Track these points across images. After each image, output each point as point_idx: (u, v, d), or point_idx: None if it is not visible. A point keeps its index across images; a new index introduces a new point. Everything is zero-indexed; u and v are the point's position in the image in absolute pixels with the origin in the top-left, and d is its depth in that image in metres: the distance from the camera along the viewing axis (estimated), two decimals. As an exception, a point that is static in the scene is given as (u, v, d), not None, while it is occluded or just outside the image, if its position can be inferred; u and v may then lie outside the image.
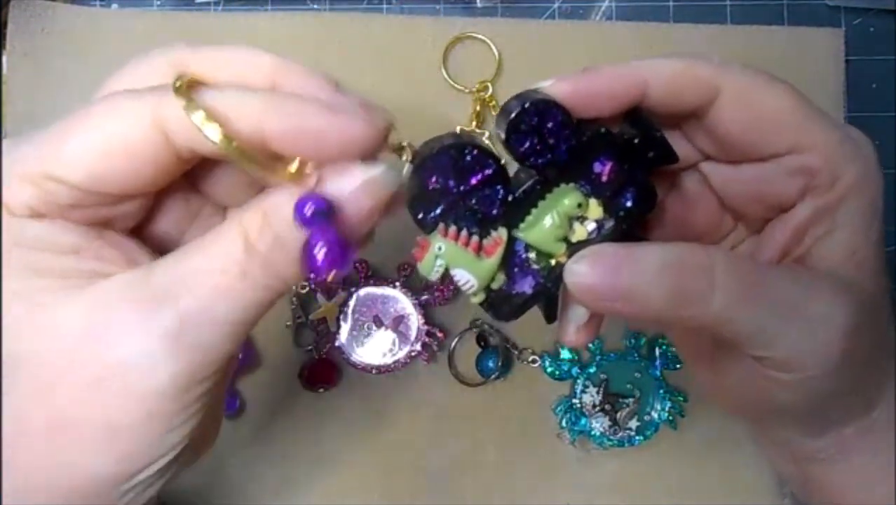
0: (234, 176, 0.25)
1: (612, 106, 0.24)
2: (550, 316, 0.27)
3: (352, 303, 0.40)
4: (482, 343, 0.41)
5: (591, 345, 0.40)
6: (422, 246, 0.25)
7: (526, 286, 0.26)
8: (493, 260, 0.25)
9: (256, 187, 0.24)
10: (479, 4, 0.43)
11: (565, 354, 0.40)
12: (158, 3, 0.43)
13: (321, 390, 0.40)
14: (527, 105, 0.24)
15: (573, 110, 0.24)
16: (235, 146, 0.20)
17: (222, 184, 0.25)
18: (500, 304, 0.26)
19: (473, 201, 0.25)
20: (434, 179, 0.24)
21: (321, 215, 0.20)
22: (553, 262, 0.26)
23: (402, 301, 0.40)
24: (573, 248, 0.25)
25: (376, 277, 0.40)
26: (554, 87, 0.24)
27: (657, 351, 0.40)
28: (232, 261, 0.21)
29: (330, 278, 0.21)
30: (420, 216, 0.24)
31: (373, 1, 0.43)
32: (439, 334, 0.40)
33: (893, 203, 0.43)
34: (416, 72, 0.42)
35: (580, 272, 0.24)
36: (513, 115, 0.24)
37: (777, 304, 0.23)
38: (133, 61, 0.23)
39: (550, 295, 0.26)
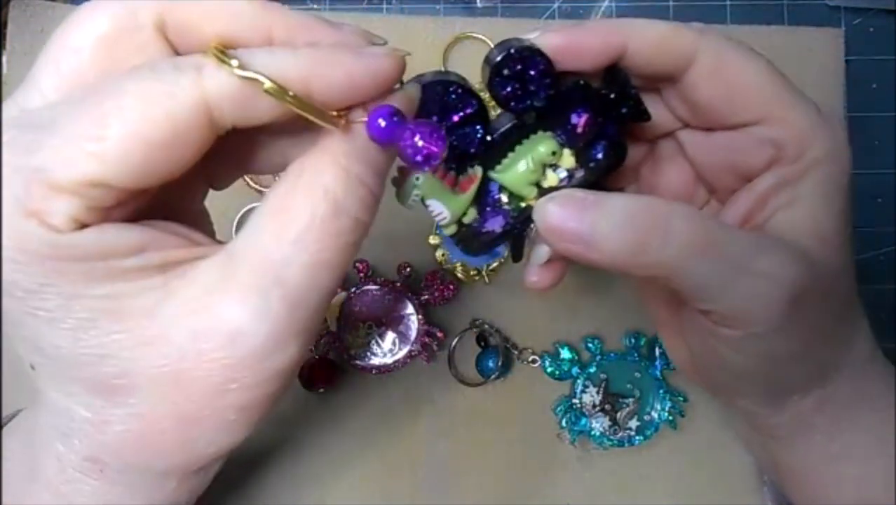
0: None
1: (594, 61, 0.25)
2: (517, 256, 0.29)
3: (351, 302, 0.40)
4: (482, 343, 0.41)
5: (590, 345, 0.40)
6: (401, 174, 0.26)
7: (496, 225, 0.28)
8: (466, 196, 0.26)
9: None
10: (479, 4, 0.43)
11: (565, 354, 0.40)
12: (158, 3, 0.43)
13: (321, 390, 0.40)
14: (511, 51, 0.25)
15: (556, 61, 0.25)
16: (293, 99, 0.20)
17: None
18: (470, 239, 0.28)
19: (453, 138, 0.26)
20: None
21: (396, 116, 0.21)
22: (523, 204, 0.27)
23: (402, 301, 0.40)
24: (543, 193, 0.27)
25: (376, 276, 0.40)
26: (541, 38, 0.25)
27: (657, 351, 0.40)
28: (320, 226, 0.20)
29: (443, 157, 0.21)
30: None
31: (373, 1, 0.43)
32: (439, 334, 0.40)
33: (893, 203, 0.43)
34: (415, 72, 0.41)
35: (548, 211, 0.25)
36: (497, 59, 0.25)
37: (727, 259, 0.24)
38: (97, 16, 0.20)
39: (518, 235, 0.28)
